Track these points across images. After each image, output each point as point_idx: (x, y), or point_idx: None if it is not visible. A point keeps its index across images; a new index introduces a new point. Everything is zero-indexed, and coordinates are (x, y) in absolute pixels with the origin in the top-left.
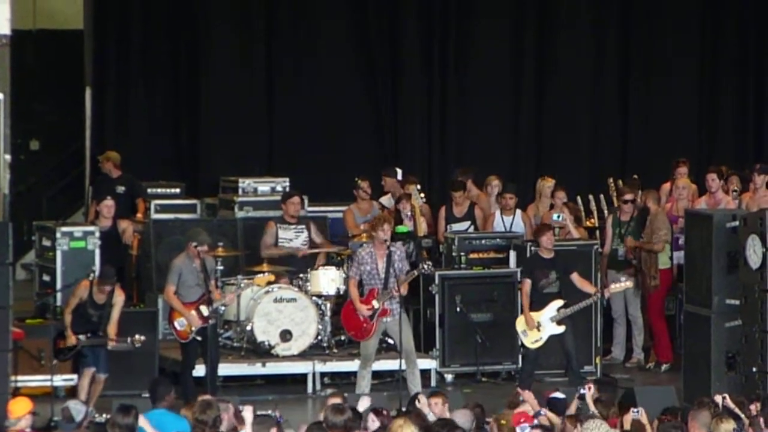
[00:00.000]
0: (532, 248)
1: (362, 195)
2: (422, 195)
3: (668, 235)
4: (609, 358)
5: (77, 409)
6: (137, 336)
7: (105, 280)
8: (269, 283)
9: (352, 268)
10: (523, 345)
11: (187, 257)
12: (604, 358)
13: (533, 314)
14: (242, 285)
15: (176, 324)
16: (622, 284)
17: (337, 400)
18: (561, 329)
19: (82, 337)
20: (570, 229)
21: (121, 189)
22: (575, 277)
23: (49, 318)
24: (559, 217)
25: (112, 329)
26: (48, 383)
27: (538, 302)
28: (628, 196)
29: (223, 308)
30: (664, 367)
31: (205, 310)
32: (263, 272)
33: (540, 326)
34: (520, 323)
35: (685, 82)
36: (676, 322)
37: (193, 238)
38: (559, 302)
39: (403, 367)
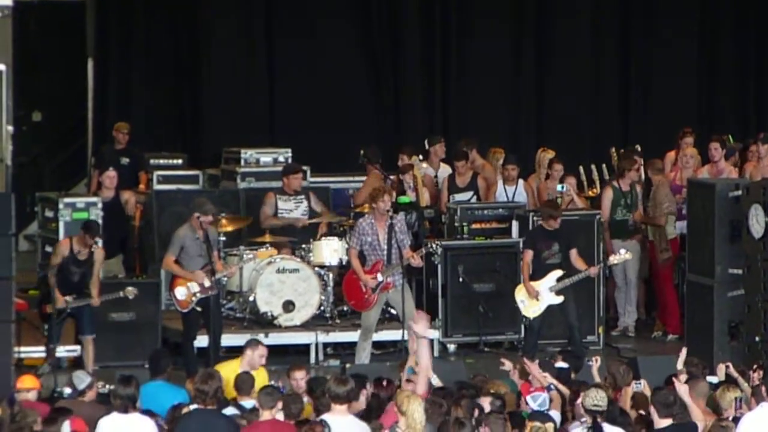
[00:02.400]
0: (536, 218)
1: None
2: (424, 164)
3: (671, 207)
4: (621, 329)
5: (80, 378)
6: (129, 288)
7: (90, 232)
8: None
9: (352, 238)
10: (523, 315)
11: (190, 228)
12: (616, 329)
13: (533, 284)
14: (244, 257)
15: (177, 293)
16: (622, 256)
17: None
18: (559, 299)
19: (68, 298)
20: (574, 199)
21: (125, 161)
22: (573, 253)
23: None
24: (563, 187)
25: (94, 288)
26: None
27: (540, 273)
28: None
29: (225, 279)
30: (670, 337)
31: (207, 280)
32: (265, 244)
33: (539, 296)
34: (520, 293)
35: (685, 51)
36: (679, 291)
37: (197, 208)
38: (559, 272)
39: (406, 336)
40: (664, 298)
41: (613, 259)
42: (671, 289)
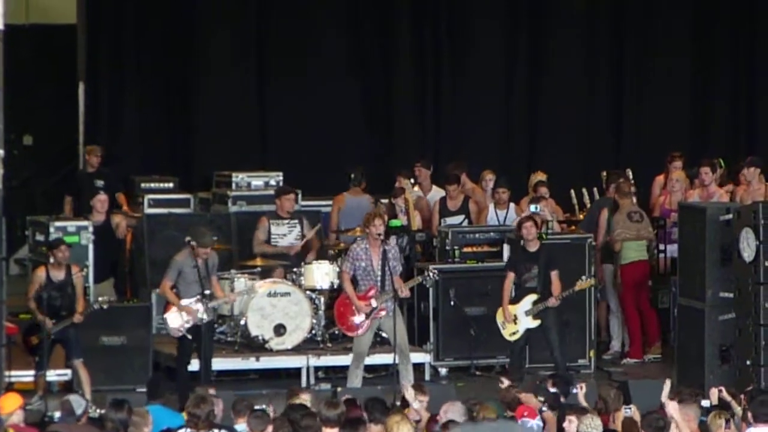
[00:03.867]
0: (520, 240)
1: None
2: (416, 188)
3: (625, 233)
4: (611, 353)
5: (78, 401)
6: (100, 298)
7: (58, 245)
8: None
9: (345, 262)
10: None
11: (189, 254)
12: (607, 353)
13: (511, 307)
14: (240, 284)
15: (169, 318)
16: (583, 282)
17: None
18: (536, 323)
19: (49, 324)
20: (549, 220)
21: (99, 183)
22: (554, 275)
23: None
24: (536, 208)
25: (80, 305)
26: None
27: (519, 295)
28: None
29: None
30: (626, 360)
31: (201, 311)
32: (257, 267)
33: (516, 319)
34: (500, 315)
35: (677, 74)
36: (669, 315)
37: (197, 238)
38: (534, 296)
39: (398, 360)
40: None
41: (577, 286)
42: (633, 312)
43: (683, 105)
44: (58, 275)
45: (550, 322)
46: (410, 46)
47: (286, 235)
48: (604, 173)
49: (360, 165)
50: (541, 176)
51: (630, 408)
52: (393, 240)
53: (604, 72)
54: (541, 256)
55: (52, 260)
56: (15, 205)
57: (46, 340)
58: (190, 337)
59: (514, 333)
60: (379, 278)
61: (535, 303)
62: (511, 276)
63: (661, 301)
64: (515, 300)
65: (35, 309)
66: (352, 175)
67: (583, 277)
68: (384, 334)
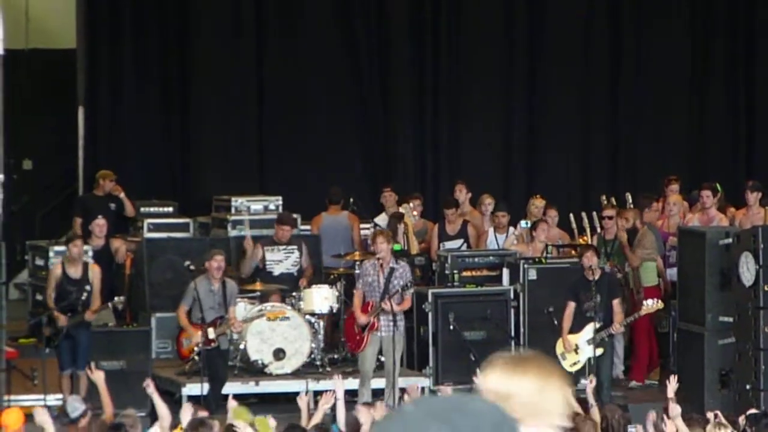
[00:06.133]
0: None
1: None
2: (415, 214)
3: (654, 254)
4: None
5: (74, 405)
6: (116, 298)
7: (73, 240)
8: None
9: (358, 280)
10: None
11: (206, 279)
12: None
13: (570, 337)
14: (250, 315)
15: (183, 342)
16: (649, 306)
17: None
18: (599, 351)
19: (63, 321)
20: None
21: (112, 206)
22: (616, 303)
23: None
24: (527, 224)
25: (95, 304)
26: (41, 402)
27: (578, 325)
28: (608, 213)
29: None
30: (633, 383)
31: (211, 332)
32: (255, 291)
33: (578, 349)
34: (560, 346)
35: (675, 97)
36: (669, 339)
37: (208, 258)
38: (595, 325)
39: (401, 384)
40: (633, 345)
41: (642, 310)
42: (644, 337)
43: (680, 128)
44: (75, 272)
45: (607, 354)
46: (409, 66)
47: (282, 261)
48: (603, 197)
49: (337, 185)
50: (539, 201)
51: (635, 427)
52: (403, 262)
53: (601, 95)
54: (603, 285)
55: (68, 253)
56: (15, 229)
57: (58, 341)
58: (196, 358)
59: (575, 363)
60: (379, 295)
61: (597, 331)
62: (572, 306)
63: (660, 326)
64: (574, 330)
65: (53, 306)
66: (351, 200)
67: (649, 301)
68: (383, 358)
